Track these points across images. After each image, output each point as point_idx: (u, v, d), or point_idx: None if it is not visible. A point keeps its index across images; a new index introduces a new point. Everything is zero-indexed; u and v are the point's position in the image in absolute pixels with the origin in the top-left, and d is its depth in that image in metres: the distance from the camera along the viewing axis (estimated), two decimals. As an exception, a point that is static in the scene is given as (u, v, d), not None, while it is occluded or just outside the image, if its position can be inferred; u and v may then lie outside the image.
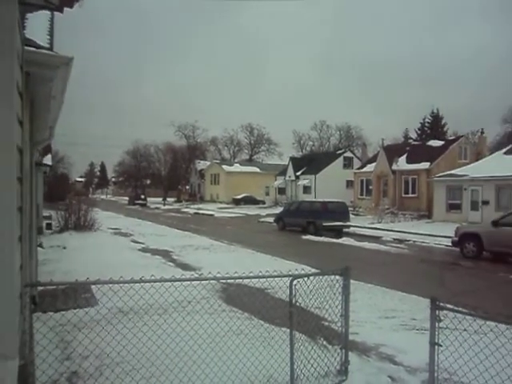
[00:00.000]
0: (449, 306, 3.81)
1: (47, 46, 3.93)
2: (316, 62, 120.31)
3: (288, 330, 4.14)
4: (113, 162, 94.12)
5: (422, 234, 20.75)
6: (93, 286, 6.94)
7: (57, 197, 30.62)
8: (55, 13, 4.26)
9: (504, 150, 28.48)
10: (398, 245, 18.13)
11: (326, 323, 6.07)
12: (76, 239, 15.77)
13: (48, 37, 4.16)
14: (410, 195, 32.06)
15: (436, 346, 3.73)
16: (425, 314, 4.28)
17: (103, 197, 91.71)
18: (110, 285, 3.76)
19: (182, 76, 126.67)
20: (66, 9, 3.60)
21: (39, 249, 10.81)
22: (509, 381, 3.58)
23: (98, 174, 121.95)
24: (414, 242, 18.89)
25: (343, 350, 4.54)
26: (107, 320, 5.12)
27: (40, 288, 6.98)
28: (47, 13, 4.37)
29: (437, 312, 3.71)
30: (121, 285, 3.73)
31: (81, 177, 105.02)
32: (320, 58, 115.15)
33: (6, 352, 1.91)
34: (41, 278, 6.90)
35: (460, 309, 3.74)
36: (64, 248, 13.49)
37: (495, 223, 13.75)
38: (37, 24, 4.14)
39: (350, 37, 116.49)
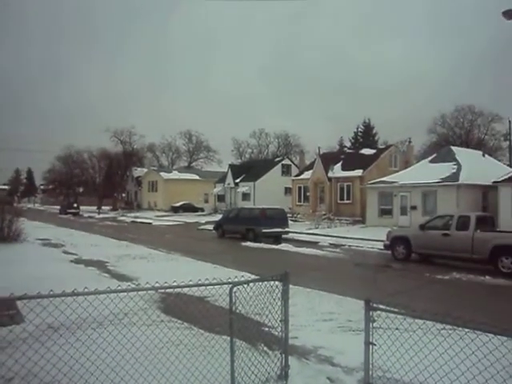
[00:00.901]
0: (381, 306, 3.98)
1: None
2: (256, 70, 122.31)
3: (228, 338, 4.12)
4: (41, 168, 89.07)
5: (356, 239, 21.64)
6: (18, 302, 6.46)
7: (-24, 206, 28.14)
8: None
9: (429, 158, 30.56)
10: (334, 249, 18.74)
11: (267, 329, 6.11)
12: (-1, 251, 14.61)
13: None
14: (345, 201, 33.39)
15: (370, 346, 3.89)
16: (360, 315, 4.45)
17: (30, 206, 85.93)
18: (39, 299, 3.52)
19: (118, 80, 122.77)
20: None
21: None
22: (436, 374, 3.81)
23: (25, 181, 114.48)
24: (350, 246, 19.62)
25: (283, 355, 4.59)
26: (35, 338, 4.77)
27: (-43, 306, 6.37)
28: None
29: (370, 313, 3.87)
30: (51, 299, 3.51)
31: (4, 184, 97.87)
32: (260, 66, 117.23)
33: None
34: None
35: (392, 309, 3.93)
36: (-15, 261, 12.43)
37: (422, 227, 14.69)
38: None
39: (289, 45, 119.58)
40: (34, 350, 4.02)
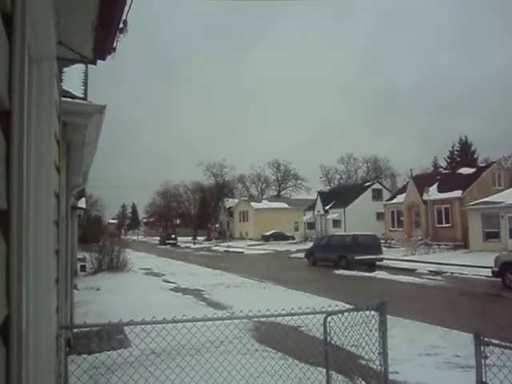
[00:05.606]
0: (494, 341, 3.60)
1: (81, 95, 4.15)
2: (338, 95, 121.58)
3: (324, 370, 4.00)
4: (143, 203, 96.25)
5: (459, 265, 19.94)
6: (126, 327, 6.95)
7: (91, 239, 31.22)
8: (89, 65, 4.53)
9: (540, 174, 27.52)
10: (435, 277, 17.46)
11: (364, 362, 5.82)
12: (109, 280, 15.95)
13: (83, 87, 4.41)
14: (444, 225, 31.15)
15: (484, 386, 3.51)
16: (468, 350, 4.06)
17: (135, 237, 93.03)
18: (143, 326, 3.76)
19: (207, 117, 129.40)
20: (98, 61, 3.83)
21: (74, 291, 10.97)
22: None
23: (130, 215, 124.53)
24: (452, 273, 18.15)
25: (383, 391, 4.32)
26: (140, 362, 5.09)
27: (75, 330, 7.04)
28: (82, 66, 4.64)
29: (482, 348, 3.51)
30: (153, 325, 3.74)
31: (113, 218, 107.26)
32: (342, 91, 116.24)
33: (42, 396, 1.92)
34: (76, 320, 6.97)
35: (508, 344, 3.53)
36: (98, 290, 13.66)
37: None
38: (71, 76, 4.40)
39: (371, 66, 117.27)
40: (139, 373, 4.27)
